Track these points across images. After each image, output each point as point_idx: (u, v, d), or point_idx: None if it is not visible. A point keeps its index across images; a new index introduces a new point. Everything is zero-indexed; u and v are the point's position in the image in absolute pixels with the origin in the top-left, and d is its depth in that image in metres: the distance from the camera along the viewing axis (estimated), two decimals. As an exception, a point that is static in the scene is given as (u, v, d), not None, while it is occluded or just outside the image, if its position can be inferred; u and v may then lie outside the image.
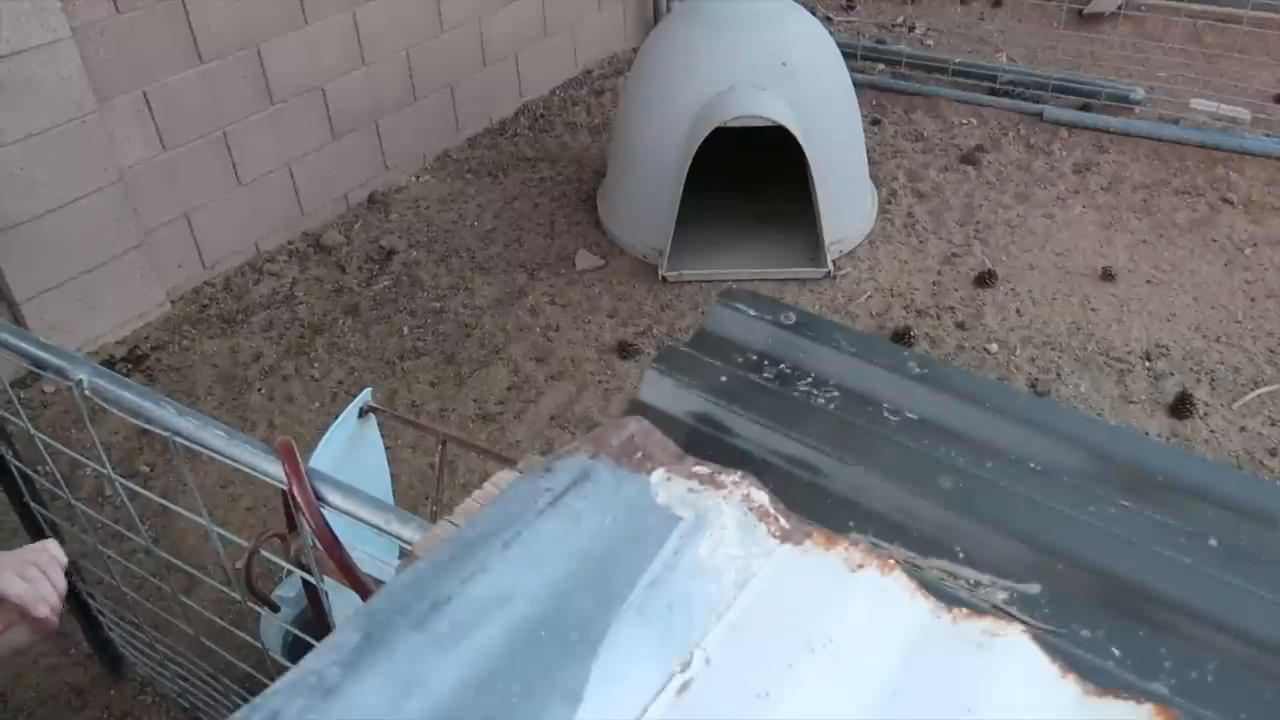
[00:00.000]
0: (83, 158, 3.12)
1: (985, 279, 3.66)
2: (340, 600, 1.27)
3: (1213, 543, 0.80)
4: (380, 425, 1.87)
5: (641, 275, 3.71)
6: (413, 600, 0.66)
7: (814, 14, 3.95)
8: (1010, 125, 4.71)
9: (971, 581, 0.77)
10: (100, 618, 2.17)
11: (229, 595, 1.51)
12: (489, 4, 4.53)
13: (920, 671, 0.66)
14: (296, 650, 1.63)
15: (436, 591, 0.67)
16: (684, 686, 0.65)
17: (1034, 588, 0.77)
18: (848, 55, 4.04)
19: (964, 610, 0.70)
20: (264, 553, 1.30)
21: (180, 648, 1.96)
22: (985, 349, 3.35)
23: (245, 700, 0.64)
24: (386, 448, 1.98)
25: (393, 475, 2.17)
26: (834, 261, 3.71)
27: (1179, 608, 0.73)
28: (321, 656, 0.63)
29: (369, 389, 1.81)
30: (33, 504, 1.88)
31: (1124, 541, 0.78)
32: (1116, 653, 0.72)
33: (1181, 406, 3.07)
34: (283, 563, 1.28)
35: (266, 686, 0.62)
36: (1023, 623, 0.72)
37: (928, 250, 3.86)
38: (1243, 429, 3.02)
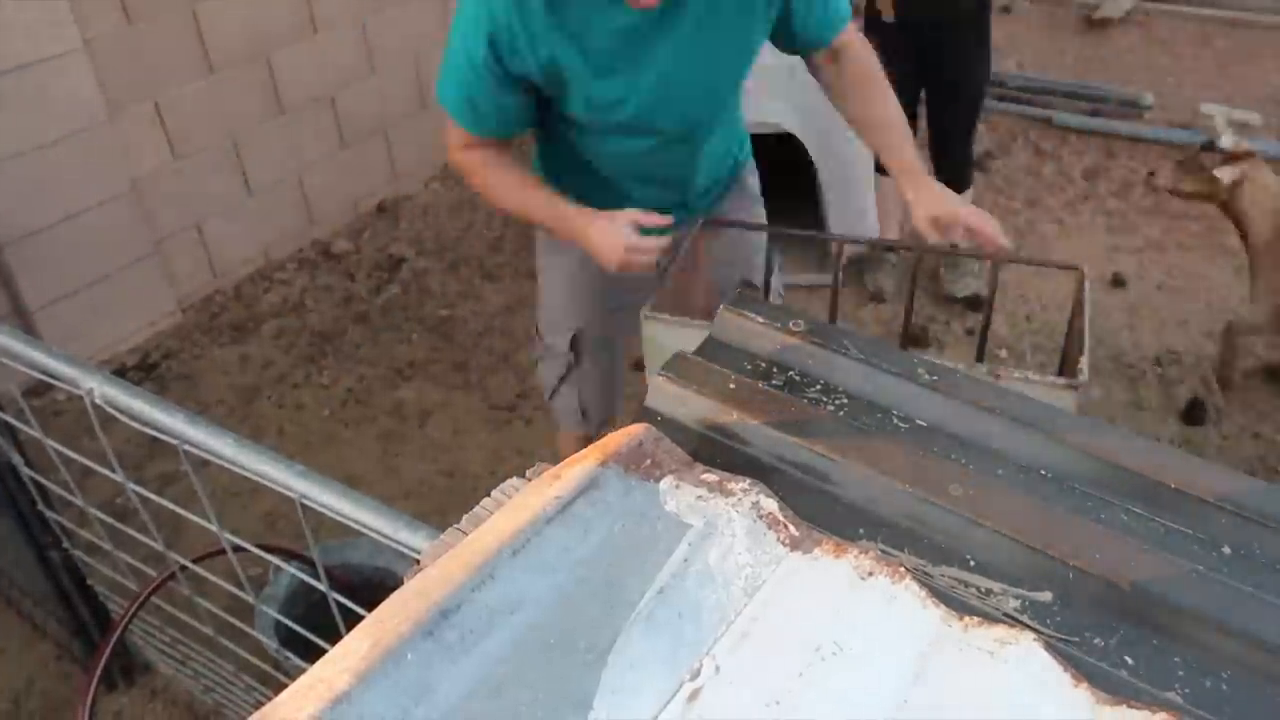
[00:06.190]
0: (94, 167, 3.14)
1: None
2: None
3: (1226, 550, 0.79)
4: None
5: (650, 282, 3.71)
6: (421, 608, 0.66)
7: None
8: (1019, 131, 4.70)
9: (982, 589, 0.77)
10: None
11: (243, 599, 1.52)
12: (498, 12, 4.54)
13: (931, 680, 0.65)
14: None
15: (445, 600, 0.67)
16: (694, 695, 0.65)
17: (1045, 595, 0.76)
18: (856, 62, 4.03)
19: (975, 618, 0.70)
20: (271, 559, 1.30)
21: (198, 647, 1.98)
22: (995, 355, 3.34)
23: (267, 697, 0.64)
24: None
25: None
26: (842, 268, 3.70)
27: (1192, 616, 0.73)
28: (330, 664, 0.63)
29: None
30: (46, 511, 1.89)
31: (1136, 549, 0.78)
32: (1129, 661, 0.71)
33: (1193, 413, 3.06)
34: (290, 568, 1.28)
35: (281, 682, 0.62)
36: (1034, 631, 0.72)
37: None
38: (1256, 435, 3.01)
